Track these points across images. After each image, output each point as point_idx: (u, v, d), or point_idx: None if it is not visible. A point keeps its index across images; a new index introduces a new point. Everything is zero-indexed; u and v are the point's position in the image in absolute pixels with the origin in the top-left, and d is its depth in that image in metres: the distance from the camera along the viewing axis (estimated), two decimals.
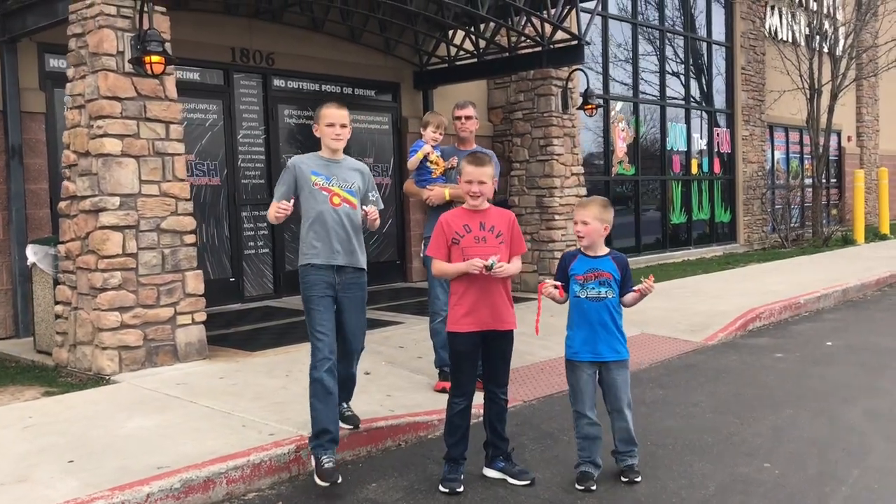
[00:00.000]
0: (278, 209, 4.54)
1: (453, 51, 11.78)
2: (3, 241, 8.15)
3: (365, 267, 4.74)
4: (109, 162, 6.47)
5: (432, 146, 6.29)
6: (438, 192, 6.21)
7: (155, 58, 6.31)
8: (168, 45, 6.84)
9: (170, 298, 6.78)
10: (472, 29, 11.26)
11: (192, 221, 7.03)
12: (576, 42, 10.60)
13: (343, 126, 4.65)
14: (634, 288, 4.46)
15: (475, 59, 11.59)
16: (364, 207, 4.69)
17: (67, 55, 6.85)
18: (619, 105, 15.47)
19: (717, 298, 10.43)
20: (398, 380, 6.53)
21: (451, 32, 11.72)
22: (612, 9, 15.19)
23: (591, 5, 10.86)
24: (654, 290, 4.49)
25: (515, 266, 4.54)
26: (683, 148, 17.19)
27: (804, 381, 6.74)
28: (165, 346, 6.75)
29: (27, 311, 7.95)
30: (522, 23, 11.16)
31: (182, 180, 6.92)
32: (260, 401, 5.69)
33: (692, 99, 17.48)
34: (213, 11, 9.91)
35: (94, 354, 6.50)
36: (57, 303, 6.97)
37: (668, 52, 16.79)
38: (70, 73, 6.80)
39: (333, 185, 4.60)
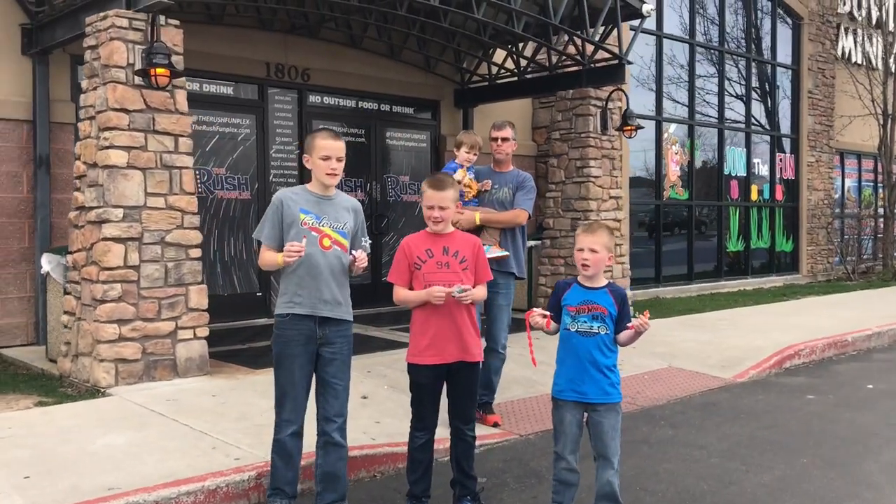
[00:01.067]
0: (289, 252, 3.91)
1: (494, 69, 11.59)
2: (28, 250, 8.27)
3: (351, 319, 4.23)
4: (115, 173, 6.47)
5: (466, 167, 5.96)
6: (469, 216, 5.79)
7: (160, 70, 6.30)
8: (179, 59, 6.84)
9: (171, 312, 6.73)
10: (513, 48, 11.06)
11: (198, 235, 6.97)
12: (617, 61, 10.28)
13: (339, 160, 4.11)
14: (629, 325, 4.05)
15: (516, 78, 11.37)
16: (353, 252, 4.15)
17: (83, 67, 6.91)
18: (672, 127, 14.99)
19: (759, 332, 9.88)
20: (395, 406, 6.31)
21: (492, 51, 11.54)
22: (669, 28, 14.75)
23: (635, 23, 10.49)
24: (649, 328, 4.12)
25: (481, 292, 4.29)
26: (742, 173, 16.54)
27: (830, 426, 6.25)
28: (165, 360, 6.69)
29: (47, 320, 8.03)
30: (565, 41, 10.91)
31: (190, 194, 6.88)
32: (242, 422, 5.55)
33: (754, 122, 16.83)
34: (249, 27, 9.95)
35: (91, 366, 6.48)
36: (64, 313, 6.99)
37: (730, 73, 16.22)
38: (84, 84, 6.85)
39: (324, 225, 4.08)
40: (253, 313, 10.07)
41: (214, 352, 7.98)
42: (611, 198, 10.78)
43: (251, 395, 6.34)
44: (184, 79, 6.90)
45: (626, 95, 10.71)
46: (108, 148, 6.48)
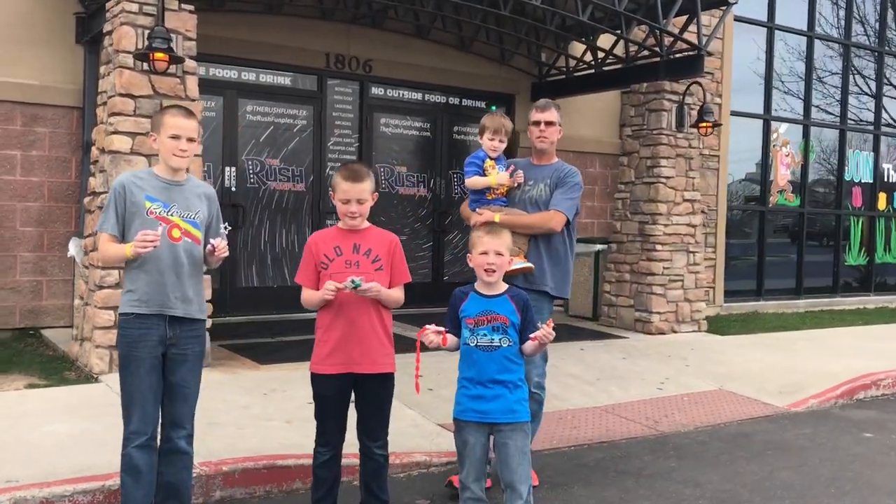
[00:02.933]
0: (142, 241, 3.46)
1: (573, 62, 10.96)
2: (74, 233, 8.42)
3: (205, 317, 3.88)
4: (118, 159, 6.44)
5: (493, 158, 4.82)
6: (488, 217, 4.70)
7: (159, 55, 6.19)
8: (191, 45, 6.73)
9: None
10: (589, 39, 10.40)
11: None
12: (695, 52, 9.44)
13: (190, 140, 3.69)
14: (531, 335, 3.64)
15: (593, 70, 10.70)
16: (211, 241, 3.74)
17: (101, 53, 6.93)
18: (783, 127, 13.75)
19: (839, 356, 8.79)
20: None
21: (570, 43, 10.93)
22: (783, 19, 13.52)
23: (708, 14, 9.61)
24: (552, 338, 3.64)
25: (394, 294, 3.83)
26: (868, 179, 15.00)
27: (869, 472, 5.34)
28: None
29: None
30: (643, 31, 10.17)
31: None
32: (199, 419, 5.32)
33: (886, 123, 15.21)
34: (308, 16, 9.81)
35: (89, 352, 6.48)
36: (77, 297, 7.06)
37: (857, 68, 14.72)
38: (101, 70, 6.88)
39: (173, 213, 3.66)
40: (299, 306, 9.91)
41: (236, 344, 7.93)
42: (685, 201, 9.90)
43: (234, 391, 6.14)
44: (195, 64, 6.79)
45: (702, 89, 9.80)
46: (113, 133, 6.46)
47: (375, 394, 3.85)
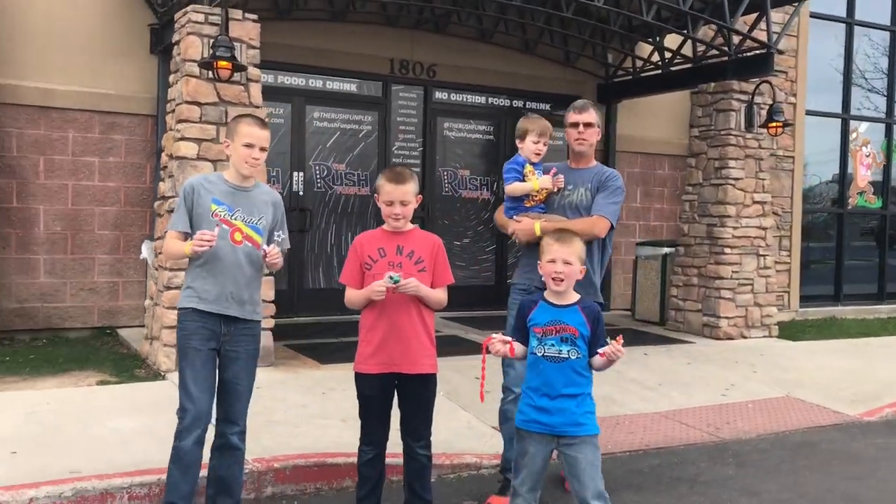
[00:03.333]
0: (199, 241, 3.61)
1: (639, 63, 10.83)
2: (148, 236, 8.76)
3: (260, 318, 3.99)
4: (184, 164, 6.66)
5: (532, 163, 4.60)
6: (527, 224, 4.50)
7: (222, 63, 6.38)
8: (255, 53, 6.92)
9: None
10: (659, 39, 10.26)
11: None
12: (765, 51, 9.21)
13: (262, 149, 3.82)
14: (600, 350, 3.53)
15: (660, 71, 10.55)
16: (265, 247, 3.84)
17: (171, 63, 7.19)
18: (863, 126, 13.26)
19: None
20: (435, 414, 5.96)
21: (636, 44, 10.81)
22: (864, 14, 13.03)
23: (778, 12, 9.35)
24: (622, 356, 3.50)
25: (435, 294, 3.85)
26: None
27: None
28: None
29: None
30: (711, 31, 9.97)
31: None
32: (257, 417, 5.46)
33: None
34: (373, 23, 9.95)
35: (157, 350, 6.72)
36: (148, 297, 7.32)
37: None
38: (171, 79, 7.12)
39: (236, 217, 3.78)
40: None
41: (300, 344, 8.10)
42: (755, 203, 9.64)
43: (293, 390, 6.27)
44: (258, 72, 6.97)
45: (772, 88, 9.54)
46: (180, 140, 6.68)
47: (417, 394, 3.88)
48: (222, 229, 3.74)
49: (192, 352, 3.75)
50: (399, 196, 3.80)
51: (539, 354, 3.58)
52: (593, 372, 3.65)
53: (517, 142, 4.65)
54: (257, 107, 6.97)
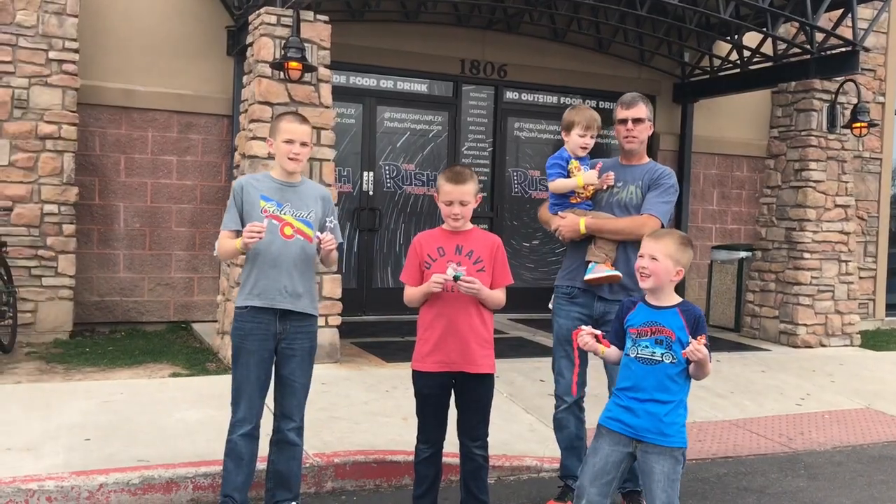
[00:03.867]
0: (249, 233, 3.63)
1: (717, 62, 10.57)
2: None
3: (316, 313, 3.99)
4: (256, 163, 6.79)
5: (578, 158, 4.36)
6: (572, 220, 4.30)
7: (293, 63, 6.48)
8: (325, 54, 7.01)
9: None
10: (737, 37, 9.99)
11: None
12: (850, 48, 8.86)
13: (304, 144, 3.88)
14: (683, 350, 3.32)
15: (738, 70, 10.26)
16: (318, 234, 3.87)
17: (245, 64, 7.34)
18: None
19: None
20: (496, 415, 5.91)
21: (713, 42, 10.54)
22: None
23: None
24: (702, 355, 3.22)
25: (494, 294, 3.82)
26: None
27: None
28: None
29: None
30: (791, 28, 9.67)
31: (329, 185, 7.00)
32: (320, 412, 5.54)
33: None
34: (444, 24, 9.97)
35: (227, 344, 6.86)
36: (221, 293, 7.50)
37: None
38: (245, 80, 7.28)
39: (286, 212, 3.84)
40: None
41: (366, 342, 8.17)
42: (837, 206, 9.28)
43: (357, 387, 6.33)
44: (329, 72, 7.06)
45: (857, 87, 9.17)
46: (252, 139, 6.82)
47: (474, 393, 3.85)
48: (271, 225, 3.77)
49: (245, 353, 3.81)
50: (458, 196, 3.78)
51: (632, 356, 3.41)
52: (689, 380, 3.40)
53: (563, 135, 4.42)
54: (327, 107, 7.07)
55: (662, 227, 4.29)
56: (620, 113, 4.38)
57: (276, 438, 3.92)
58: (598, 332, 3.51)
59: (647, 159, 4.46)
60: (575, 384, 4.18)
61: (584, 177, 4.29)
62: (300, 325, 3.88)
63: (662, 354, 3.35)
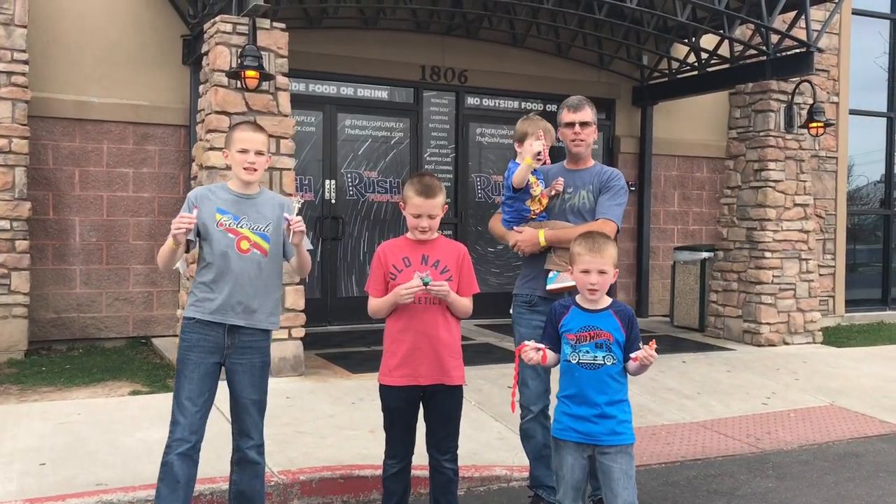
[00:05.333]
0: (179, 222, 3.50)
1: (675, 64, 10.65)
2: None
3: (272, 327, 3.80)
4: (214, 174, 6.66)
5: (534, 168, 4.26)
6: (530, 234, 4.29)
7: (250, 73, 6.38)
8: (283, 62, 6.92)
9: None
10: (694, 39, 10.07)
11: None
12: (804, 49, 8.98)
13: (259, 154, 3.72)
14: (632, 355, 3.44)
15: (696, 72, 10.35)
16: (286, 215, 3.69)
17: (201, 73, 7.21)
18: None
19: None
20: (465, 423, 5.84)
21: (668, 45, 10.63)
22: None
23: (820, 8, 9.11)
24: (655, 360, 3.38)
25: (462, 301, 3.76)
26: None
27: None
28: None
29: None
30: (747, 31, 9.78)
31: (289, 194, 6.90)
32: (284, 427, 5.44)
33: None
34: (404, 30, 9.91)
35: None
36: (180, 307, 7.34)
37: None
38: (201, 89, 7.15)
39: (242, 226, 3.68)
40: None
41: (331, 353, 8.07)
42: (796, 205, 9.38)
43: (322, 400, 6.23)
44: (287, 80, 6.96)
45: (812, 87, 9.29)
46: (210, 150, 6.69)
47: (444, 406, 3.78)
48: (228, 238, 3.64)
49: (190, 365, 3.64)
50: (428, 210, 3.71)
51: (573, 362, 3.46)
52: (629, 378, 3.54)
53: (516, 146, 4.36)
54: (286, 115, 6.97)
55: (618, 229, 4.31)
56: (567, 116, 4.33)
57: (236, 458, 3.78)
58: (542, 346, 3.51)
59: (592, 162, 4.44)
60: (515, 381, 3.99)
61: (530, 155, 4.16)
62: (251, 340, 3.72)
63: (604, 357, 3.44)
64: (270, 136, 6.78)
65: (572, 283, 4.07)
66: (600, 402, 3.43)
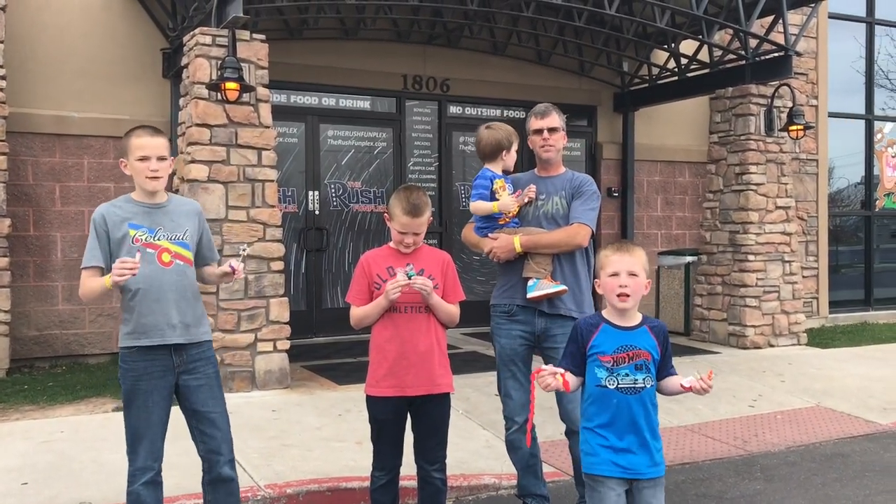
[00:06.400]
0: (120, 269, 3.24)
1: (655, 70, 10.71)
2: None
3: (210, 337, 3.65)
4: (195, 187, 6.63)
5: (503, 176, 4.32)
6: (505, 240, 4.24)
7: (230, 84, 6.35)
8: (264, 73, 6.90)
9: (251, 325, 6.76)
10: (674, 45, 10.13)
11: (281, 248, 6.97)
12: (782, 53, 9.05)
13: (161, 159, 3.45)
14: (685, 383, 3.11)
15: (677, 78, 10.40)
16: (232, 264, 3.62)
17: (181, 86, 7.18)
18: (888, 127, 13.00)
19: None
20: (453, 433, 5.82)
21: (648, 51, 10.69)
22: (885, 13, 12.81)
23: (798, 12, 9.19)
24: (710, 392, 3.12)
25: (447, 307, 3.74)
26: None
27: None
28: (243, 372, 6.73)
29: None
30: (726, 36, 9.85)
31: (272, 206, 6.89)
32: (272, 441, 5.40)
33: None
34: (385, 40, 9.92)
35: None
36: None
37: None
38: (181, 102, 7.11)
39: (160, 238, 3.46)
40: None
41: (317, 365, 8.03)
42: (778, 208, 9.44)
43: (309, 412, 6.19)
44: (267, 92, 6.95)
45: (791, 91, 9.37)
46: (190, 162, 6.66)
47: (432, 415, 3.76)
48: (147, 254, 3.41)
49: (142, 395, 3.44)
50: (414, 228, 3.68)
51: (611, 387, 3.10)
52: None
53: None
54: (268, 127, 6.95)
55: (593, 233, 4.30)
56: (535, 123, 4.33)
57: (208, 479, 3.61)
58: (560, 371, 3.14)
59: (563, 169, 4.42)
60: (531, 414, 3.93)
61: (499, 205, 4.22)
62: (198, 353, 3.55)
63: (644, 379, 3.11)
64: (251, 147, 6.81)
65: (553, 290, 4.15)
66: (643, 430, 3.11)
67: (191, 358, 3.53)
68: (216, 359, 3.71)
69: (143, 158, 3.44)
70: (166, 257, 3.49)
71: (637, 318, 3.19)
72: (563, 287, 4.17)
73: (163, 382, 3.47)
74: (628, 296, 3.11)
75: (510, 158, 4.34)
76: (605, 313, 3.21)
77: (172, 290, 3.48)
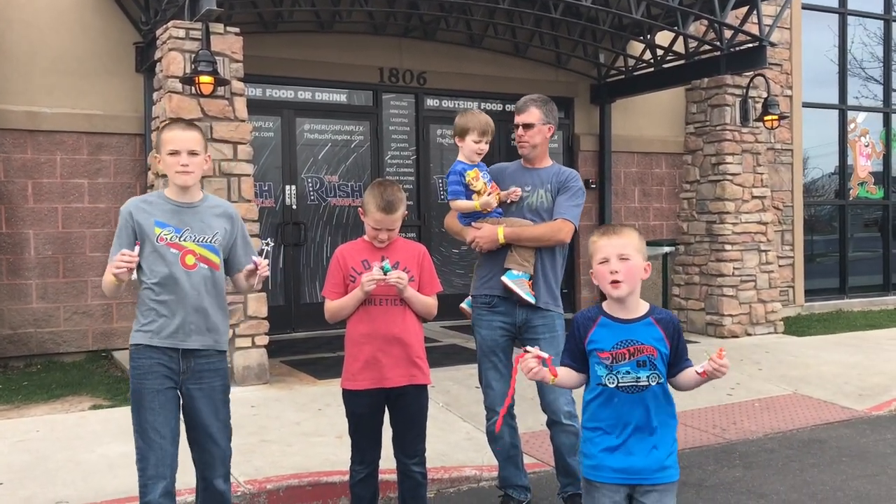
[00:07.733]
0: (117, 264, 3.16)
1: (631, 62, 10.73)
2: None
3: (226, 348, 3.51)
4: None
5: (475, 165, 4.24)
6: (489, 231, 4.19)
7: (204, 78, 6.29)
8: (238, 67, 6.83)
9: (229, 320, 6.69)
10: (650, 36, 10.16)
11: (257, 243, 6.90)
12: (757, 44, 9.10)
13: (193, 154, 3.34)
14: (699, 369, 2.86)
15: (653, 69, 10.44)
16: (253, 258, 3.45)
17: (154, 80, 7.10)
18: (861, 116, 13.14)
19: None
20: (433, 425, 5.81)
21: (624, 42, 10.71)
22: (857, 4, 12.94)
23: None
24: (726, 373, 2.87)
25: (425, 299, 3.73)
26: None
27: None
28: None
29: None
30: (701, 26, 9.90)
31: (248, 201, 6.84)
32: (250, 437, 5.36)
33: None
34: (360, 33, 9.86)
35: None
36: None
37: None
38: (155, 96, 7.03)
39: (186, 239, 3.35)
40: None
41: (296, 360, 7.99)
42: (754, 198, 9.52)
43: (288, 407, 6.16)
44: (242, 85, 6.89)
45: (766, 81, 9.43)
46: None
47: (410, 408, 3.74)
48: (171, 254, 3.32)
49: (149, 394, 3.29)
50: (389, 224, 3.66)
51: (611, 385, 2.87)
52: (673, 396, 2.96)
53: (456, 140, 4.31)
54: (242, 120, 6.89)
55: (576, 230, 4.27)
56: (515, 118, 4.31)
57: (202, 486, 3.48)
58: (546, 355, 2.87)
59: (549, 161, 4.39)
60: (509, 398, 3.95)
61: (480, 203, 4.20)
62: (208, 363, 3.42)
63: (648, 377, 2.85)
64: (226, 142, 6.74)
65: (524, 297, 4.10)
66: (646, 432, 2.88)
67: (199, 366, 3.40)
68: (227, 372, 3.58)
69: (174, 153, 3.36)
70: (190, 260, 3.36)
71: (641, 309, 2.93)
72: (532, 301, 4.15)
73: (167, 383, 3.34)
74: (620, 282, 2.85)
75: (463, 147, 4.26)
76: (604, 305, 2.97)
77: (192, 294, 3.35)
